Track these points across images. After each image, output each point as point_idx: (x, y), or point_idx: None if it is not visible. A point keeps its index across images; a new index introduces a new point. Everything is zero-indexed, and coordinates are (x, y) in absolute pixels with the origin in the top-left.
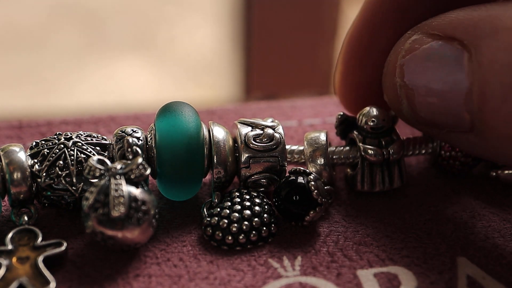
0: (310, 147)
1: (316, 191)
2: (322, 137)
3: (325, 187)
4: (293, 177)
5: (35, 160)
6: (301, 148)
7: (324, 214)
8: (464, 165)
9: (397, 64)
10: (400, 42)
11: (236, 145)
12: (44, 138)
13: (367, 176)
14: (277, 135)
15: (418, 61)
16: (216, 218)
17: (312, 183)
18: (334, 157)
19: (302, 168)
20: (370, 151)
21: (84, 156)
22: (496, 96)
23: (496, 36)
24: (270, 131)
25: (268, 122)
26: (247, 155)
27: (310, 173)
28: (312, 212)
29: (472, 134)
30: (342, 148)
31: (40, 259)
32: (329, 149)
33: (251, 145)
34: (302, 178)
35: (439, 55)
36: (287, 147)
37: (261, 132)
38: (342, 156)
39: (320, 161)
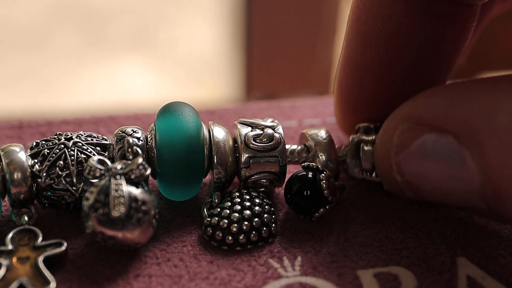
0: (313, 141)
1: (327, 190)
2: (322, 133)
3: (336, 183)
4: (306, 172)
5: (36, 160)
6: (299, 147)
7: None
8: None
9: (392, 161)
10: (385, 135)
11: (236, 145)
12: (45, 138)
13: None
14: (277, 135)
15: (416, 159)
16: (216, 218)
17: (324, 181)
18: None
19: (315, 164)
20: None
21: (85, 156)
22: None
23: (498, 137)
24: (270, 131)
25: (268, 122)
26: (247, 155)
27: (323, 171)
28: (321, 210)
29: (488, 211)
30: (340, 147)
31: (40, 259)
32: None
33: (251, 145)
34: (314, 174)
35: (437, 153)
36: (287, 147)
37: (261, 132)
38: (341, 155)
39: (325, 156)
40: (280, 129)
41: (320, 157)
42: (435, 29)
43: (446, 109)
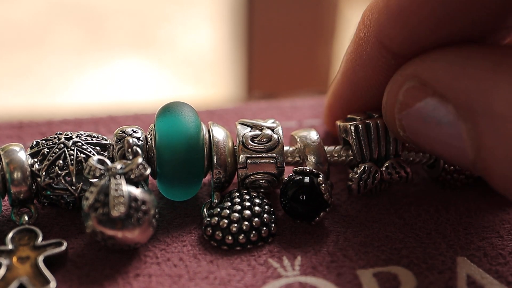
0: (303, 144)
1: (327, 193)
2: (313, 134)
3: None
4: (301, 177)
5: (35, 159)
6: (291, 149)
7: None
8: (468, 177)
9: (395, 116)
10: (392, 89)
11: (235, 145)
12: (44, 138)
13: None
14: (275, 136)
15: (416, 121)
16: (216, 218)
17: (323, 185)
18: (329, 156)
19: (308, 168)
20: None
21: (84, 156)
22: (504, 175)
23: (492, 121)
24: (268, 131)
25: (269, 123)
26: (244, 155)
27: (318, 174)
28: (322, 213)
29: (477, 171)
30: (334, 147)
31: (40, 258)
32: (326, 148)
33: (249, 145)
34: (310, 179)
35: (436, 119)
36: (285, 148)
37: (259, 132)
38: (336, 155)
39: (315, 158)
40: (279, 130)
41: (309, 159)
42: None
43: (450, 78)
